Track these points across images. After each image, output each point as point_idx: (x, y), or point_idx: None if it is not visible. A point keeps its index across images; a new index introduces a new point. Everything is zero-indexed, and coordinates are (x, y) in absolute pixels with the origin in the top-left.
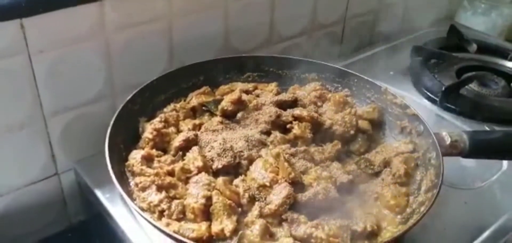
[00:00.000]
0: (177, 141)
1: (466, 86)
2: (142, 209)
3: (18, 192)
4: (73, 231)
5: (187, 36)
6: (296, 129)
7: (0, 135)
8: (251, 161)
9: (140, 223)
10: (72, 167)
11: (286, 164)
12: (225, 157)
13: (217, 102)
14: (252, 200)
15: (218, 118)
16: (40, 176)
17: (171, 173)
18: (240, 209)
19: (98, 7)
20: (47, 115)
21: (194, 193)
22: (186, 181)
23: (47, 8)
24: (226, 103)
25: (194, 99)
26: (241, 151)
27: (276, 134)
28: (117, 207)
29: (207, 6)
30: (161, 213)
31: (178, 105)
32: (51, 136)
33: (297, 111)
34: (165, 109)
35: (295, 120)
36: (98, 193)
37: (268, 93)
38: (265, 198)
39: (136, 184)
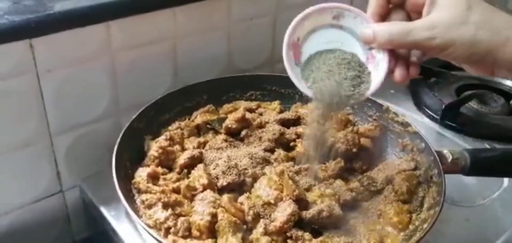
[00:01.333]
0: (182, 158)
1: (466, 104)
2: (149, 226)
3: (23, 209)
4: None
5: (191, 56)
6: (299, 147)
7: (6, 153)
8: (255, 178)
9: (146, 240)
10: (77, 184)
11: (290, 181)
12: (230, 174)
13: (221, 120)
14: (257, 217)
15: (222, 136)
16: (44, 194)
17: (176, 191)
18: (245, 226)
19: (105, 28)
20: (53, 133)
21: (200, 210)
22: (192, 198)
23: (56, 29)
24: (230, 121)
25: (198, 117)
26: (246, 169)
27: (280, 152)
28: (123, 225)
29: (210, 27)
30: (167, 231)
31: (182, 123)
32: (57, 153)
33: (300, 129)
34: (170, 127)
35: (298, 138)
36: (104, 211)
37: (271, 111)
38: (270, 216)
39: (143, 202)
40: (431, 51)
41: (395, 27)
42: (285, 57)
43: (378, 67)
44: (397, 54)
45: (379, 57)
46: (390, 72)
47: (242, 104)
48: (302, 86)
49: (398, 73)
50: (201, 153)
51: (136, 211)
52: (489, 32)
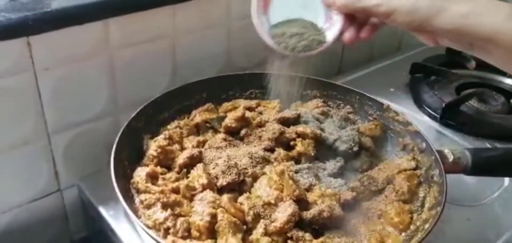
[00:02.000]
0: (181, 158)
1: (466, 103)
2: (148, 227)
3: (21, 208)
4: None
5: (190, 54)
6: (299, 146)
7: (3, 152)
8: (255, 178)
9: (145, 240)
10: (75, 183)
11: (290, 181)
12: (230, 174)
13: (221, 119)
14: (257, 217)
15: (221, 135)
16: (42, 193)
17: (176, 191)
18: (245, 227)
19: (103, 26)
20: (51, 132)
21: (199, 210)
22: (191, 198)
23: (54, 26)
24: (229, 120)
25: (197, 116)
26: (246, 168)
27: (280, 151)
28: (121, 224)
29: (209, 25)
30: (167, 231)
31: (182, 122)
32: (55, 152)
33: (300, 128)
34: (169, 126)
35: (298, 137)
36: (102, 210)
37: (271, 110)
38: (270, 216)
39: (141, 202)
40: (378, 16)
41: None
42: (255, 4)
43: (333, 27)
44: (353, 18)
45: (335, 18)
46: (342, 32)
47: (242, 103)
48: (266, 36)
49: (348, 35)
50: (200, 152)
51: (135, 211)
52: (426, 2)
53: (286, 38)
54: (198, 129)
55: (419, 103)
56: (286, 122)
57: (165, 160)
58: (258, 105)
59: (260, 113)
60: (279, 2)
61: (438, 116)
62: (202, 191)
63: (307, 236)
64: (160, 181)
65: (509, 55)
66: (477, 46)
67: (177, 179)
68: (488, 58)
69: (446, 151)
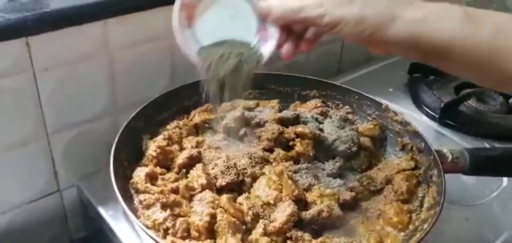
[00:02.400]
0: (180, 158)
1: (465, 103)
2: (147, 227)
3: (20, 209)
4: None
5: None
6: (298, 146)
7: (3, 152)
8: (254, 178)
9: (144, 241)
10: (74, 184)
11: (289, 181)
12: (229, 174)
13: (220, 119)
14: (256, 217)
15: (221, 135)
16: (42, 193)
17: (175, 191)
18: (244, 227)
19: (102, 26)
20: (50, 132)
21: (199, 210)
22: (190, 198)
23: (53, 27)
24: (228, 121)
25: (197, 116)
26: (245, 168)
27: (279, 151)
28: (120, 224)
29: None
30: (166, 231)
31: (181, 123)
32: (54, 153)
33: (299, 128)
34: (168, 127)
35: (297, 137)
36: (101, 210)
37: (270, 110)
38: (269, 216)
39: (141, 202)
40: (322, 28)
41: (289, 4)
42: (177, 18)
43: (268, 41)
44: (290, 29)
45: (271, 30)
46: (279, 46)
47: (241, 103)
48: (192, 56)
49: (286, 49)
50: (199, 152)
51: (134, 211)
52: (375, 10)
53: (214, 63)
54: (197, 130)
55: (418, 103)
56: (285, 122)
57: (164, 161)
58: (257, 105)
59: (260, 112)
60: (205, 14)
61: (436, 116)
62: (201, 191)
63: (306, 236)
64: (159, 181)
65: (466, 60)
66: (430, 54)
67: (176, 179)
68: (443, 66)
69: (445, 151)
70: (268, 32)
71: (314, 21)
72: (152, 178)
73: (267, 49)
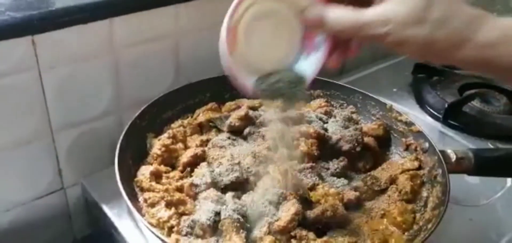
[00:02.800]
0: (185, 157)
1: (469, 103)
2: (152, 225)
3: (24, 207)
4: None
5: (193, 53)
6: (303, 146)
7: (7, 150)
8: (258, 177)
9: (148, 239)
10: (78, 182)
11: (294, 180)
12: (233, 173)
13: (224, 118)
14: (261, 216)
15: (225, 134)
16: (46, 191)
17: (179, 189)
18: (248, 226)
19: (107, 25)
20: (55, 131)
21: (203, 209)
22: (195, 197)
23: (58, 25)
24: (233, 119)
25: (201, 115)
26: (249, 167)
27: (283, 151)
28: (125, 223)
29: (213, 24)
30: (170, 229)
31: (185, 121)
32: (58, 151)
33: (303, 128)
34: (172, 125)
35: (301, 136)
36: (106, 209)
37: (274, 109)
38: (274, 215)
39: (145, 200)
40: (385, 45)
41: (347, 18)
42: (225, 45)
43: (317, 51)
44: (338, 39)
45: (319, 39)
46: (328, 56)
47: (245, 102)
48: (240, 76)
49: (335, 58)
50: (204, 151)
51: (139, 209)
52: (446, 32)
53: (269, 94)
54: (201, 128)
55: (422, 104)
56: (289, 121)
57: (169, 159)
58: (261, 104)
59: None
60: (248, 31)
61: (441, 116)
62: (205, 190)
63: (311, 235)
64: (164, 180)
65: None
66: (503, 74)
67: (181, 178)
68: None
69: (449, 151)
70: (314, 40)
71: (376, 39)
72: (156, 176)
73: (316, 60)
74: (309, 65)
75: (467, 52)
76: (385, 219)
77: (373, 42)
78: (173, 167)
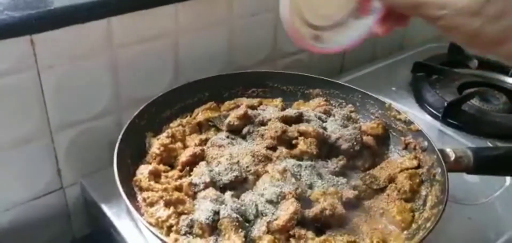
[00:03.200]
0: (184, 156)
1: (468, 102)
2: (151, 224)
3: (23, 206)
4: None
5: (192, 52)
6: (302, 145)
7: (6, 149)
8: (257, 176)
9: (147, 238)
10: (77, 181)
11: (293, 179)
12: (232, 172)
13: (223, 117)
14: (260, 215)
15: (224, 133)
16: (45, 191)
17: (178, 189)
18: (247, 225)
19: (106, 24)
20: (54, 130)
21: (202, 208)
22: (194, 196)
23: (57, 25)
24: (232, 119)
25: (200, 114)
26: (248, 166)
27: (282, 150)
28: (124, 222)
29: (212, 23)
30: (169, 229)
31: (184, 121)
32: (57, 150)
33: (302, 127)
34: (171, 124)
35: (300, 135)
36: (105, 208)
37: (273, 108)
38: (273, 214)
39: (144, 199)
40: (436, 27)
41: None
42: (287, 8)
43: (368, 16)
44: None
45: (375, 5)
46: (380, 21)
47: (244, 101)
48: (302, 36)
49: (386, 27)
50: (203, 150)
51: (138, 209)
52: (498, 28)
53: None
54: (200, 128)
55: (421, 102)
56: (288, 120)
57: (168, 158)
58: (260, 103)
59: (263, 111)
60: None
61: (440, 115)
62: (204, 189)
63: (309, 234)
64: (162, 179)
65: None
66: None
67: (180, 177)
68: None
69: (448, 150)
70: (369, 5)
71: (430, 20)
72: (155, 175)
73: (364, 25)
74: (357, 28)
75: (510, 49)
76: (384, 218)
77: (426, 20)
78: (172, 166)
